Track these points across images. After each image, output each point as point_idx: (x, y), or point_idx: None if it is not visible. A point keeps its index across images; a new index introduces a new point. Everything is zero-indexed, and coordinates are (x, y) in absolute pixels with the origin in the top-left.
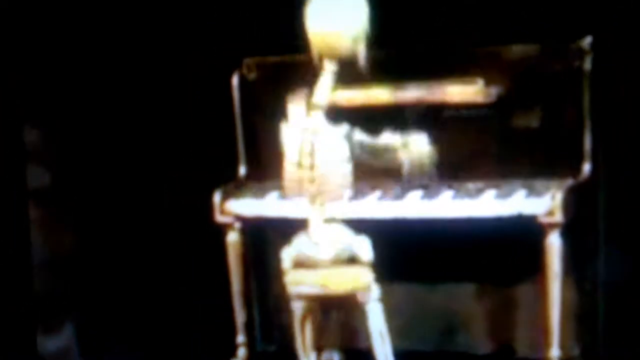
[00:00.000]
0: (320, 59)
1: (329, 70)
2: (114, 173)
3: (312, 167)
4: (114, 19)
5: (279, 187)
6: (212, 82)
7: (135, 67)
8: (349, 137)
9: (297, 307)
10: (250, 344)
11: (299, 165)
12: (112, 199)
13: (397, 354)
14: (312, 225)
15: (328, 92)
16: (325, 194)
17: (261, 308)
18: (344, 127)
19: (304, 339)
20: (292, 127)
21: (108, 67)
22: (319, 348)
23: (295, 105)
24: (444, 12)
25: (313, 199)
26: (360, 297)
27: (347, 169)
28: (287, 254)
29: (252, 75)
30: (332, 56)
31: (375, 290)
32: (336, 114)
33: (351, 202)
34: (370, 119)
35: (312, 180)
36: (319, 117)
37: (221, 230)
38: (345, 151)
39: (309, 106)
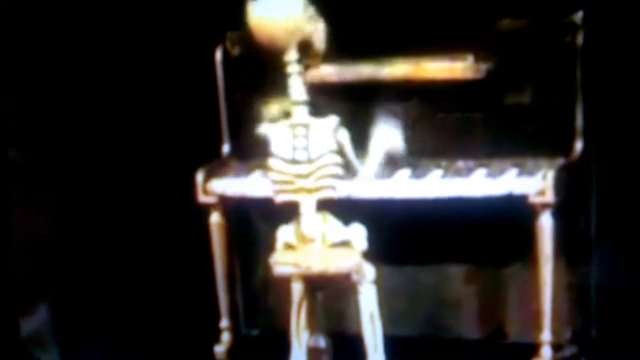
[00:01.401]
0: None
1: (292, 63)
2: (93, 152)
3: (309, 161)
4: None
5: (264, 166)
6: (194, 57)
7: (115, 42)
8: (337, 129)
9: (296, 289)
10: (234, 329)
11: (294, 162)
12: (91, 178)
13: (383, 340)
14: (305, 220)
15: (302, 85)
16: (320, 188)
17: (245, 291)
18: (333, 119)
19: (299, 321)
20: (278, 125)
21: (87, 42)
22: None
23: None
24: None
25: (307, 193)
26: (353, 278)
27: (339, 160)
28: (283, 233)
29: (235, 50)
30: (280, 48)
31: (369, 272)
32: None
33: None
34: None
35: (307, 176)
36: (304, 111)
37: (204, 211)
38: (336, 142)
39: (291, 103)
